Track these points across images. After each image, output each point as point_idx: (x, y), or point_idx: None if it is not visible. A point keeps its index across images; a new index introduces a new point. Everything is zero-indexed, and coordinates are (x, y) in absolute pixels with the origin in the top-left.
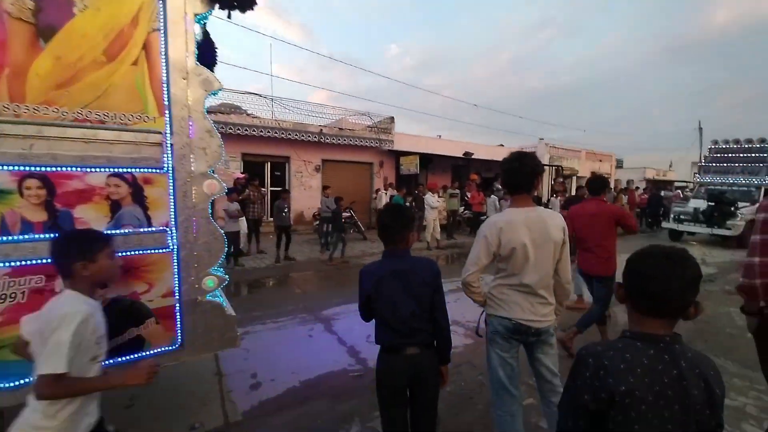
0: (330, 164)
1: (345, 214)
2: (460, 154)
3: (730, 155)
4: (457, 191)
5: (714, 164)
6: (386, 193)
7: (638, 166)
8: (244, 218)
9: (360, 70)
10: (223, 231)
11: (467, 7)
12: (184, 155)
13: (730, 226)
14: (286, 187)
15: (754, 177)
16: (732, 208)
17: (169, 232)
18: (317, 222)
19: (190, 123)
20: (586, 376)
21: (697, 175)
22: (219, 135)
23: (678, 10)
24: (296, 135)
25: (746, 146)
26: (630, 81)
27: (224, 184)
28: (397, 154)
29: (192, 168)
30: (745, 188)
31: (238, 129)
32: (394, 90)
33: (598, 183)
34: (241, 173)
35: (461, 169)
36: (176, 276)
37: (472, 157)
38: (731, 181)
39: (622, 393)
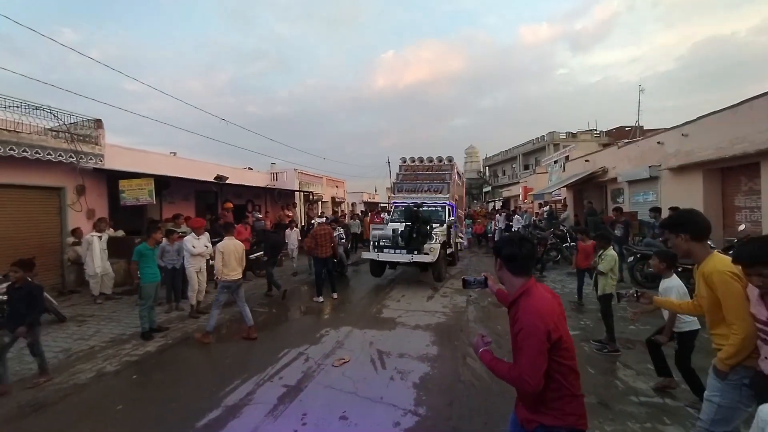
0: None
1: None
2: (209, 178)
3: (417, 173)
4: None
5: (405, 182)
6: (100, 238)
7: (354, 191)
8: None
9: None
10: None
11: (169, 13)
12: None
13: (427, 251)
14: None
15: (439, 195)
16: (428, 228)
17: None
18: None
19: None
20: None
21: (392, 195)
22: None
23: (357, 74)
24: None
25: (429, 164)
26: (330, 120)
27: None
28: (112, 176)
29: None
30: (434, 208)
31: None
32: (81, 87)
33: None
34: None
35: (208, 197)
36: None
37: (226, 182)
38: (420, 201)
39: None
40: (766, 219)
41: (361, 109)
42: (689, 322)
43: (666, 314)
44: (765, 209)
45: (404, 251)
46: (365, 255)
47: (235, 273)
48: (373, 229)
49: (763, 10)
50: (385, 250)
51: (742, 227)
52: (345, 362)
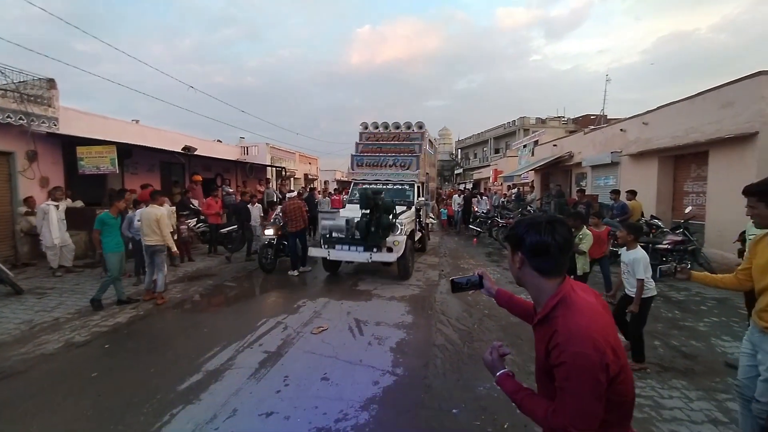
0: None
1: None
2: (176, 149)
3: (381, 144)
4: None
5: (366, 155)
6: (57, 207)
7: (328, 169)
8: None
9: None
10: None
11: None
12: None
13: (390, 245)
14: None
15: (407, 172)
16: (391, 217)
17: None
18: None
19: None
20: None
21: (351, 170)
22: None
23: (332, 48)
24: None
25: (395, 131)
26: (303, 95)
27: None
28: (68, 142)
29: None
30: (400, 186)
31: None
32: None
33: None
34: None
35: (174, 168)
36: None
37: (195, 153)
38: (385, 178)
39: None
40: (710, 202)
41: (336, 84)
42: (651, 289)
43: (627, 282)
44: (710, 194)
45: (361, 247)
46: (313, 252)
47: (149, 238)
48: (322, 218)
49: (723, 9)
50: (338, 246)
51: (688, 210)
52: (324, 330)
